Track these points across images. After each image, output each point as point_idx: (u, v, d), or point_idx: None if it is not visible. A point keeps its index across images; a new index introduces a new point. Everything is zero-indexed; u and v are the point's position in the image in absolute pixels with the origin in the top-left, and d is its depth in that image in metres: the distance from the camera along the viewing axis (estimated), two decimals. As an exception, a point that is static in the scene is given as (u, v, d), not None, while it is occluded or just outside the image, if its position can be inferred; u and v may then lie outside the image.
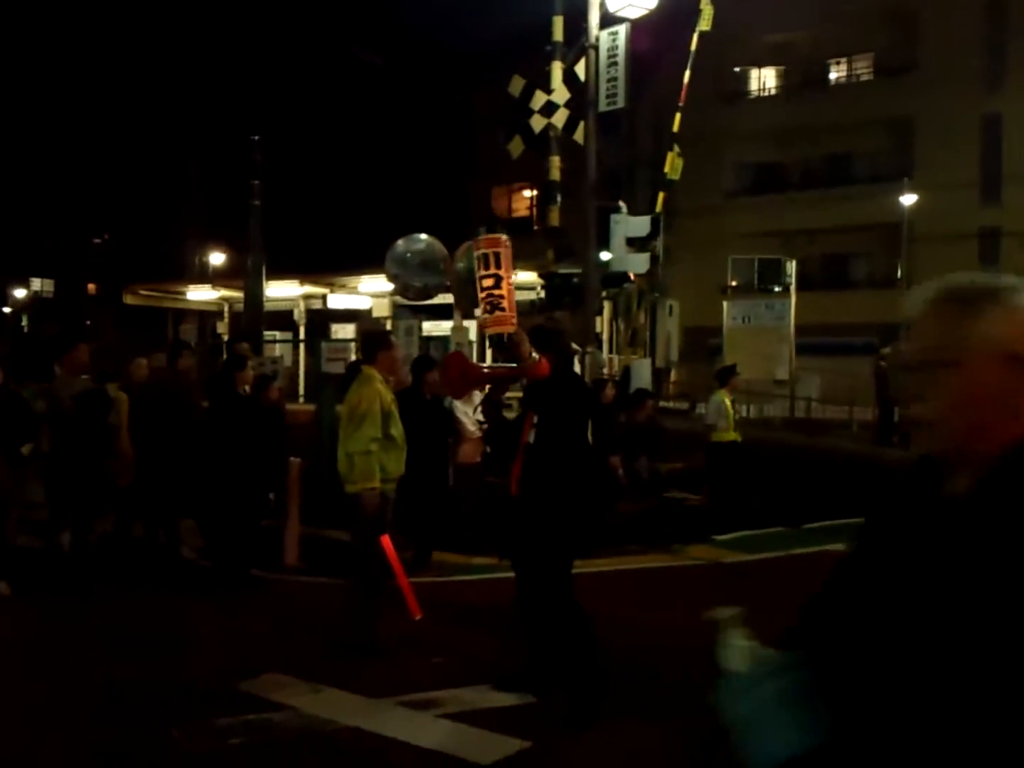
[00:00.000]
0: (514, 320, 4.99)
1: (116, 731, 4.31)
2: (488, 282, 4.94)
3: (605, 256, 12.40)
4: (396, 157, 23.84)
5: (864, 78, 31.03)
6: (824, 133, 29.16)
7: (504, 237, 5.17)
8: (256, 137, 14.19)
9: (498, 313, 4.86)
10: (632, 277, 13.83)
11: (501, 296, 4.90)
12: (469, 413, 8.36)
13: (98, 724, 4.39)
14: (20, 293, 28.75)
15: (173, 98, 24.49)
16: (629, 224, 12.44)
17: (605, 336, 14.90)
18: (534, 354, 4.49)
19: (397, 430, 5.45)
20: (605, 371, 12.37)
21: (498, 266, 4.99)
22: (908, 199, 26.65)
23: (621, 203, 13.40)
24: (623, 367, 13.19)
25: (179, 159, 24.57)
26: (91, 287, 29.97)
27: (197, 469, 7.56)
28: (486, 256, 4.94)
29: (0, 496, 6.76)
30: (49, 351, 8.49)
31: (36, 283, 28.69)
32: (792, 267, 18.67)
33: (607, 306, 15.71)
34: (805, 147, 29.96)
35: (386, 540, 5.53)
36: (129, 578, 7.27)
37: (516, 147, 13.27)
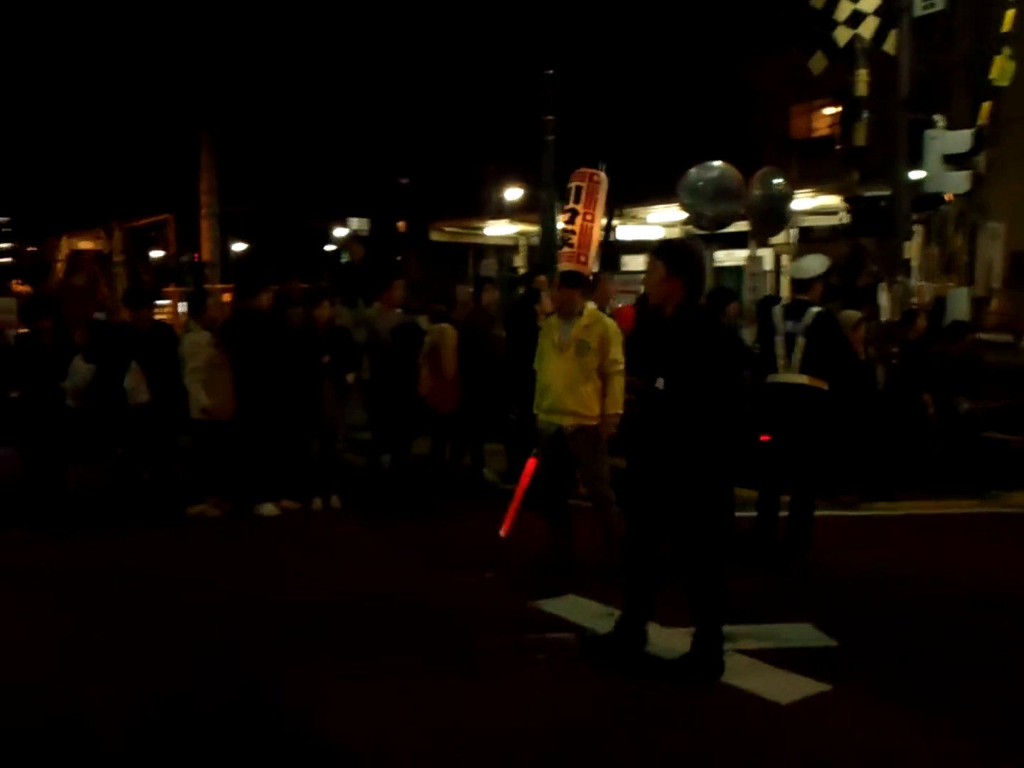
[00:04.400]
0: (584, 258, 4.63)
1: (426, 645, 4.72)
2: (565, 216, 4.68)
3: (917, 175, 11.46)
4: (683, 79, 23.18)
5: None
6: None
7: (595, 171, 4.76)
8: (550, 72, 14.35)
9: (566, 249, 4.56)
10: (949, 198, 12.66)
11: (572, 232, 4.59)
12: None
13: (416, 632, 4.83)
14: (340, 232, 31.28)
15: (467, 41, 25.29)
16: (946, 139, 11.34)
17: (916, 263, 13.81)
18: (615, 302, 4.29)
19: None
20: (915, 301, 11.49)
21: (577, 200, 4.69)
22: None
23: (937, 116, 12.23)
24: (936, 297, 12.19)
25: (476, 99, 25.43)
26: (401, 225, 32.01)
27: (501, 397, 7.97)
28: (570, 189, 4.67)
29: (328, 420, 7.53)
30: (357, 278, 9.26)
31: (354, 222, 31.06)
32: None
33: (919, 230, 14.54)
34: None
35: (530, 462, 5.57)
36: (436, 496, 7.86)
37: (818, 63, 12.48)
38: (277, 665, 4.34)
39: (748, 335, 8.25)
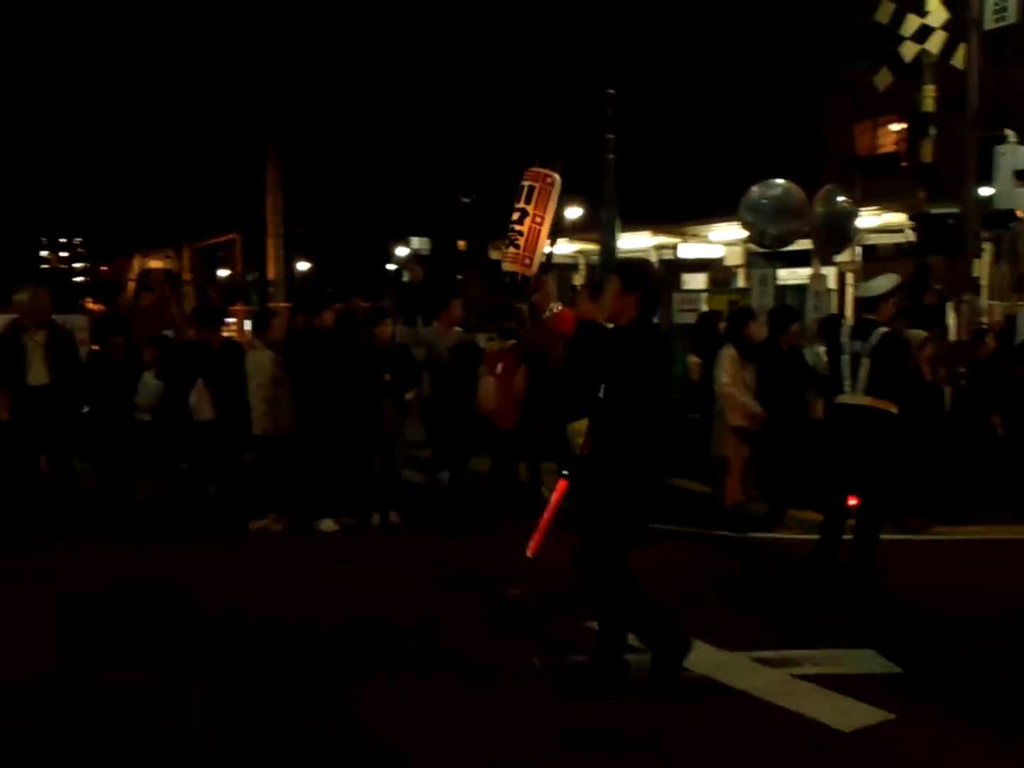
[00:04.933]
0: (528, 262, 4.47)
1: (488, 650, 4.72)
2: (515, 215, 4.56)
3: (987, 192, 11.22)
4: (745, 96, 23.02)
5: None
6: None
7: (548, 172, 4.60)
8: (611, 91, 14.38)
9: (511, 249, 4.44)
10: (1020, 214, 12.36)
11: (519, 232, 4.46)
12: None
13: (467, 642, 4.85)
14: (401, 251, 31.65)
15: (529, 61, 25.48)
16: (1017, 155, 11.09)
17: (985, 282, 13.50)
18: (555, 306, 4.18)
19: None
20: (984, 320, 11.23)
21: (528, 200, 4.56)
22: None
23: (1008, 132, 11.97)
24: (1005, 316, 11.90)
25: (537, 118, 25.58)
26: (461, 244, 32.28)
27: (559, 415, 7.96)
28: (522, 188, 4.54)
29: (387, 436, 7.60)
30: (417, 298, 9.32)
31: (415, 242, 31.44)
32: None
33: (988, 248, 14.21)
34: None
35: (561, 484, 5.50)
36: (493, 513, 7.86)
37: (883, 78, 12.29)
38: (332, 677, 4.38)
39: (810, 355, 8.15)
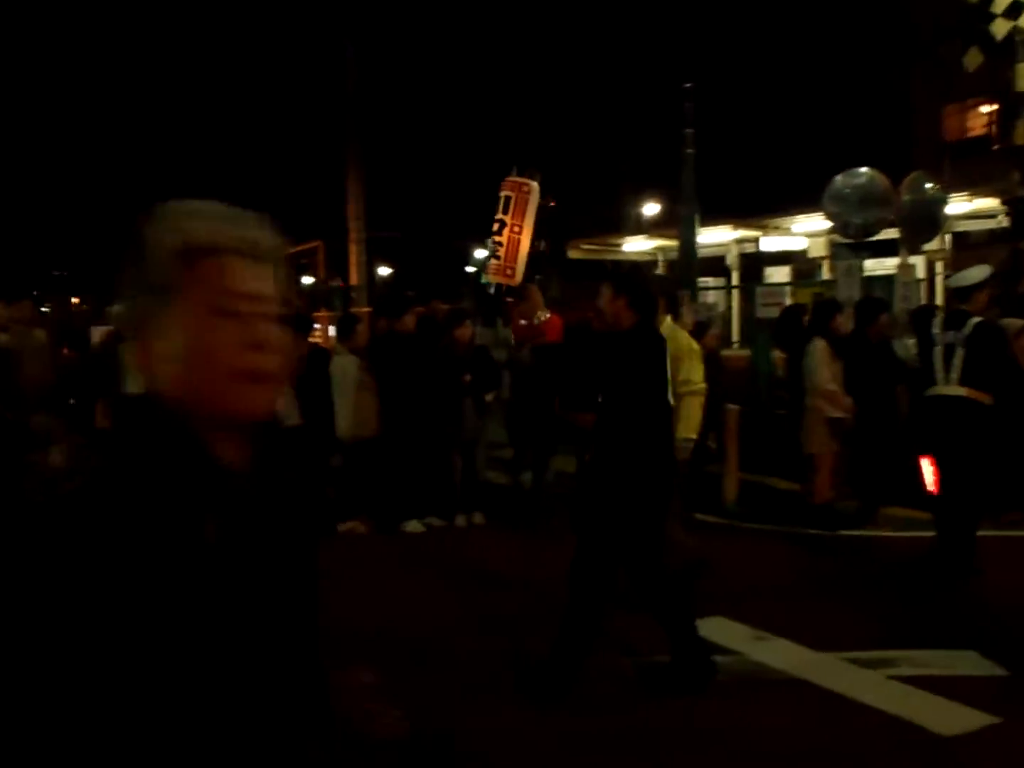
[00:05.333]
0: (511, 272, 4.40)
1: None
2: (494, 226, 4.49)
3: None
4: (828, 86, 22.50)
5: None
6: None
7: (525, 181, 4.53)
8: (688, 85, 14.22)
9: (493, 261, 4.36)
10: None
11: (499, 243, 4.38)
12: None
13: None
14: (480, 253, 31.85)
15: (605, 57, 25.37)
16: (1119, 133, 10.61)
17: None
18: (542, 314, 4.07)
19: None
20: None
21: (505, 211, 4.47)
22: None
23: (1108, 109, 11.44)
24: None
25: (614, 114, 25.46)
26: (540, 245, 32.38)
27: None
28: (499, 199, 4.47)
29: (469, 438, 7.65)
30: (496, 299, 9.35)
31: (493, 243, 31.71)
32: None
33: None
34: None
35: None
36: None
37: (973, 59, 11.87)
38: (412, 681, 4.42)
39: (899, 347, 7.91)
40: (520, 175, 4.50)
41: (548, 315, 4.19)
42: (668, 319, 5.49)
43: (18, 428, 7.24)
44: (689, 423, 5.31)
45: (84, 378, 7.85)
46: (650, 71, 21.57)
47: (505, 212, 4.54)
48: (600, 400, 4.26)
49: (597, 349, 4.26)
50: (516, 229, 4.50)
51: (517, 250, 4.46)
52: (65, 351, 9.13)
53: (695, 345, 5.63)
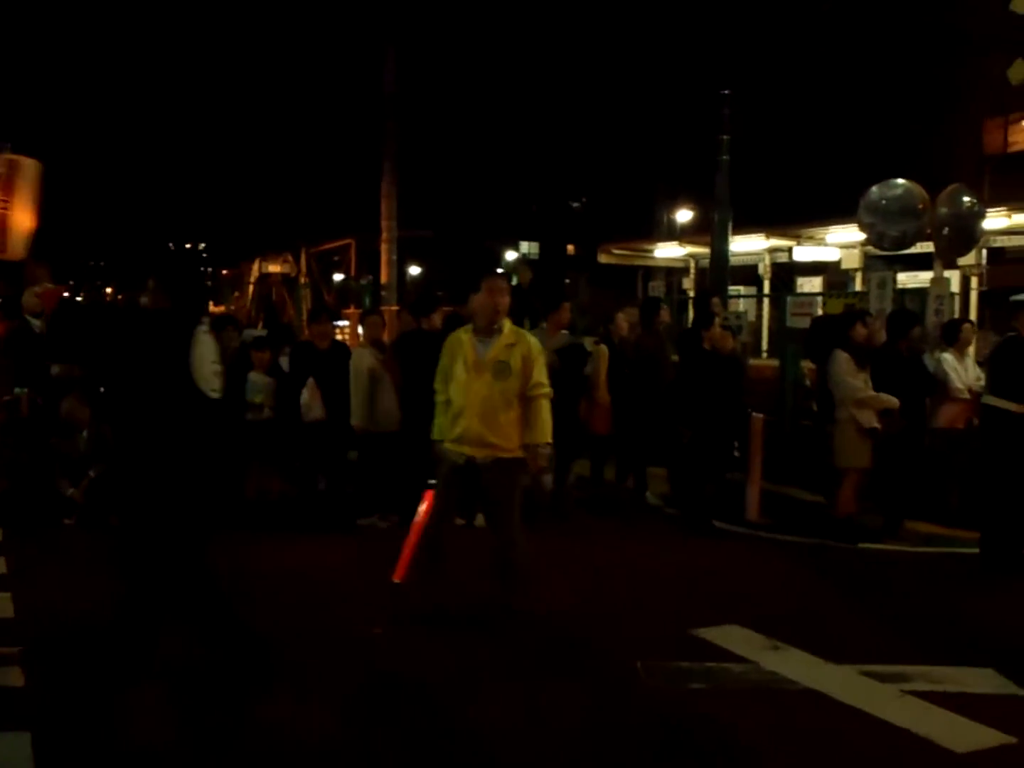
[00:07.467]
0: (2, 247, 4.49)
1: (582, 657, 4.70)
2: None
3: None
4: (866, 96, 22.29)
5: None
6: None
7: (12, 157, 4.65)
8: (726, 91, 14.15)
9: None
10: None
11: None
12: (960, 370, 7.66)
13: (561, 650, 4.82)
14: (511, 255, 31.93)
15: (640, 63, 25.31)
16: None
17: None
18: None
19: None
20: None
21: None
22: None
23: None
24: None
25: (648, 120, 25.38)
26: (570, 248, 32.33)
27: (668, 421, 7.89)
28: None
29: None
30: (526, 300, 9.40)
31: (524, 246, 31.68)
32: None
33: None
34: None
35: (427, 494, 5.23)
36: (597, 517, 7.89)
37: (1017, 72, 11.71)
38: (434, 673, 4.43)
39: (930, 361, 7.83)
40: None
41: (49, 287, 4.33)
42: (508, 321, 5.18)
43: (48, 413, 7.34)
44: (544, 427, 5.12)
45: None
46: (688, 77, 21.46)
47: None
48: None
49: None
50: (3, 204, 4.74)
51: (5, 225, 4.66)
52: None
53: (541, 347, 5.40)
